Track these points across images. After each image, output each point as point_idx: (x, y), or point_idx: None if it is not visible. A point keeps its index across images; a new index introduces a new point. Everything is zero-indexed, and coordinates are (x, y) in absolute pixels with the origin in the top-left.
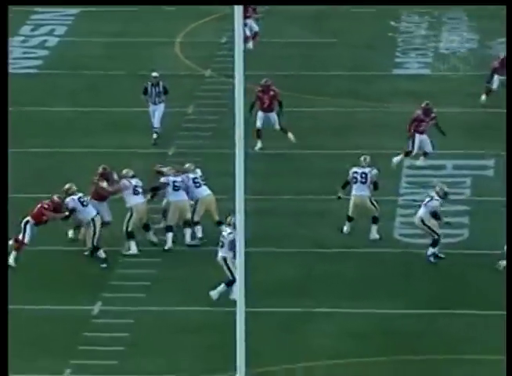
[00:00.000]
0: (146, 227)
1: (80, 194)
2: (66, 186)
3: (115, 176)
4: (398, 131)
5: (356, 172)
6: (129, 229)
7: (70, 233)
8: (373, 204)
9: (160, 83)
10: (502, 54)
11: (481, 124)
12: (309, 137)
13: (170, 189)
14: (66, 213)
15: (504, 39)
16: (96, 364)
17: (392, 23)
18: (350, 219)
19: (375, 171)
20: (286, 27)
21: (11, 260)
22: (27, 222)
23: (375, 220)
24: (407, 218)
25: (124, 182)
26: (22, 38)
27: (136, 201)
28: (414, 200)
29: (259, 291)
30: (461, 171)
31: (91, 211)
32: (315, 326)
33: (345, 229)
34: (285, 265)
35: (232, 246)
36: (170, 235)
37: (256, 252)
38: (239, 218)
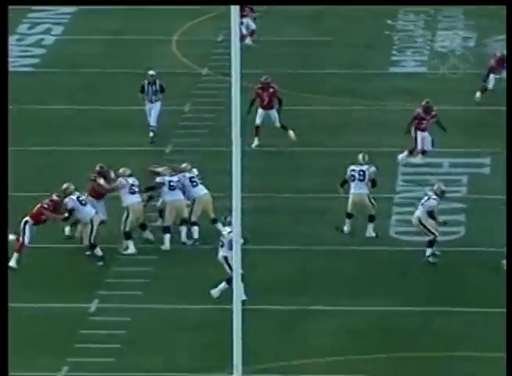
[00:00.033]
0: (143, 226)
1: (78, 193)
2: (64, 185)
3: (112, 175)
4: (395, 129)
5: (354, 170)
6: (127, 228)
7: (67, 230)
8: (371, 201)
9: (157, 81)
10: (499, 52)
11: (478, 122)
12: (306, 135)
13: (166, 188)
14: (66, 214)
15: (500, 37)
16: (93, 362)
17: (389, 21)
18: (349, 216)
19: (373, 169)
20: (283, 25)
21: (13, 262)
22: (26, 222)
23: (371, 218)
24: (403, 216)
25: (121, 180)
26: (19, 37)
27: (133, 200)
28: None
29: (257, 288)
30: (457, 169)
31: (90, 210)
32: (313, 323)
33: (346, 228)
34: (283, 262)
35: (231, 245)
36: (167, 236)
37: (254, 250)
38: (236, 216)
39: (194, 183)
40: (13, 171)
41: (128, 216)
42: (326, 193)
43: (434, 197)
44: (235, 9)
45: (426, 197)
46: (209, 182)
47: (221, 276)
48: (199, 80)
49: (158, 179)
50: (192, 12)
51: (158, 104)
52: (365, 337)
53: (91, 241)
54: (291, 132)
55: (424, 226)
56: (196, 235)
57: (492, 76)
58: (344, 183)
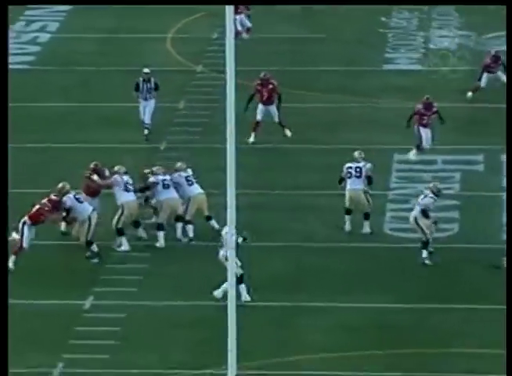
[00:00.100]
0: (136, 224)
1: (74, 192)
2: (60, 185)
3: (107, 173)
4: (388, 126)
5: (350, 167)
6: (119, 225)
7: (63, 227)
8: (367, 198)
9: (152, 79)
10: (493, 50)
11: (471, 119)
12: (300, 132)
13: (160, 187)
14: (64, 214)
15: (494, 34)
16: (88, 358)
17: (383, 18)
18: (349, 212)
19: (369, 165)
20: (277, 22)
21: (10, 264)
22: (24, 223)
23: (367, 216)
24: (397, 213)
25: (116, 177)
26: (14, 34)
27: (127, 198)
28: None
29: (251, 285)
30: (451, 166)
31: (87, 208)
32: (307, 320)
33: (347, 226)
34: (277, 259)
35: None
36: (161, 234)
37: (248, 247)
38: (231, 212)
39: (190, 182)
40: (11, 168)
41: (122, 214)
42: (320, 189)
43: (431, 195)
44: (229, 8)
45: (422, 196)
46: (203, 179)
47: (217, 272)
48: (193, 77)
49: (152, 179)
50: (187, 9)
51: (152, 102)
52: (360, 333)
53: (88, 238)
54: (288, 131)
55: (420, 226)
56: (191, 233)
57: (485, 74)
58: (342, 181)
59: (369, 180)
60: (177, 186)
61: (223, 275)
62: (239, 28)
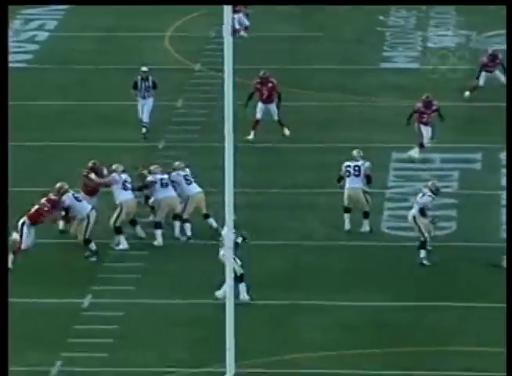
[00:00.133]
0: (133, 222)
1: (72, 191)
2: (58, 185)
3: (105, 172)
4: (386, 125)
5: (349, 166)
6: (117, 224)
7: (61, 225)
8: (365, 197)
9: (150, 77)
10: (491, 50)
11: (469, 117)
12: (297, 131)
13: (158, 186)
14: (63, 213)
15: (492, 33)
16: (86, 357)
17: (380, 17)
18: (348, 210)
19: (368, 164)
20: (275, 21)
21: (8, 263)
22: (24, 223)
23: (366, 215)
24: (395, 212)
25: (115, 176)
26: (12, 33)
27: (126, 197)
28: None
29: (250, 283)
30: (449, 164)
31: (86, 206)
32: (305, 318)
33: (346, 224)
34: (275, 258)
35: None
36: (159, 232)
37: (247, 245)
38: (229, 211)
39: (188, 181)
40: (9, 167)
41: (120, 212)
42: (318, 188)
43: (429, 193)
44: (227, 7)
45: (421, 194)
46: (202, 177)
47: (215, 271)
48: (192, 76)
49: (150, 178)
50: (185, 8)
51: (150, 100)
52: (358, 332)
53: (86, 236)
54: (286, 130)
55: (418, 226)
56: (188, 232)
57: (483, 73)
58: (341, 180)
59: (369, 179)
60: (175, 185)
61: (222, 273)
62: (237, 26)
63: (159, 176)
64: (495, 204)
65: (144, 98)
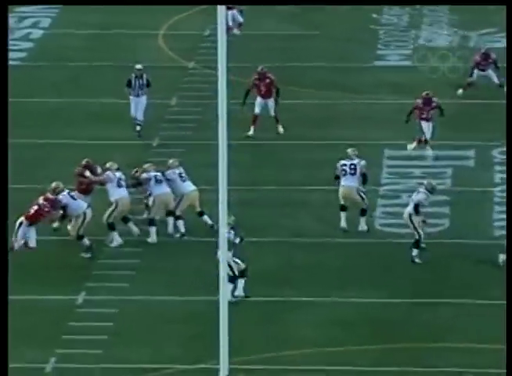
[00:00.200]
0: (125, 219)
1: (67, 190)
2: (53, 184)
3: (99, 170)
4: (379, 122)
5: (345, 165)
6: (110, 220)
7: (56, 224)
8: (360, 196)
9: (144, 75)
10: (484, 48)
11: (462, 115)
12: (291, 128)
13: (152, 183)
14: (61, 211)
15: (484, 31)
16: (81, 353)
17: (374, 15)
18: (344, 208)
19: (363, 162)
20: (269, 19)
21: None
22: (21, 223)
23: (363, 212)
24: (388, 209)
25: (109, 174)
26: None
27: (121, 194)
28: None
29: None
30: (442, 161)
31: (82, 204)
32: (298, 315)
33: (342, 222)
34: (268, 255)
35: (229, 246)
36: (153, 229)
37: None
38: (222, 208)
39: (183, 179)
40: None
41: (114, 209)
42: (311, 185)
43: (424, 191)
44: (221, 8)
45: (416, 192)
46: (196, 175)
47: (209, 268)
48: (185, 73)
49: (144, 175)
50: (179, 6)
51: (144, 98)
52: (352, 328)
53: (79, 233)
54: (280, 128)
55: (413, 224)
56: (182, 229)
57: (476, 71)
58: (337, 178)
59: (365, 178)
60: (170, 183)
61: (216, 270)
62: (230, 23)
63: (153, 173)
64: (488, 201)
65: (138, 96)
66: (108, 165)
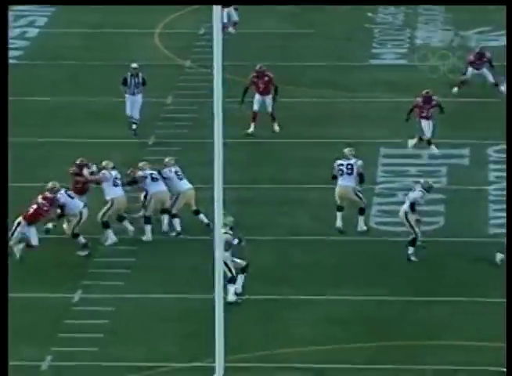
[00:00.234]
0: (120, 218)
1: (64, 189)
2: (50, 184)
3: (94, 168)
4: (375, 120)
5: (342, 164)
6: (104, 219)
7: (50, 224)
8: (357, 195)
9: (140, 74)
10: (479, 47)
11: (457, 113)
12: (288, 127)
13: (148, 181)
14: (59, 211)
15: (479, 29)
16: (77, 351)
17: (369, 14)
18: (340, 209)
19: (360, 162)
20: (265, 18)
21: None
22: (19, 223)
23: (362, 211)
24: (384, 207)
25: (105, 173)
26: None
27: (116, 193)
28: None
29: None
30: (437, 160)
31: (78, 204)
32: (295, 313)
33: (338, 222)
34: (265, 253)
35: (227, 246)
36: (149, 227)
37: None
38: (218, 206)
39: (179, 177)
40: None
41: (109, 208)
42: (307, 183)
43: (421, 189)
44: (217, 6)
45: (412, 191)
46: (192, 173)
47: (205, 266)
48: (181, 72)
49: (140, 173)
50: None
51: (139, 97)
52: (348, 326)
53: (74, 231)
54: (276, 126)
55: (409, 222)
56: (178, 227)
57: (470, 69)
58: (334, 178)
59: (361, 178)
60: (166, 182)
61: (212, 268)
62: (226, 21)
63: (148, 171)
64: (483, 200)
65: (133, 94)
66: (104, 164)
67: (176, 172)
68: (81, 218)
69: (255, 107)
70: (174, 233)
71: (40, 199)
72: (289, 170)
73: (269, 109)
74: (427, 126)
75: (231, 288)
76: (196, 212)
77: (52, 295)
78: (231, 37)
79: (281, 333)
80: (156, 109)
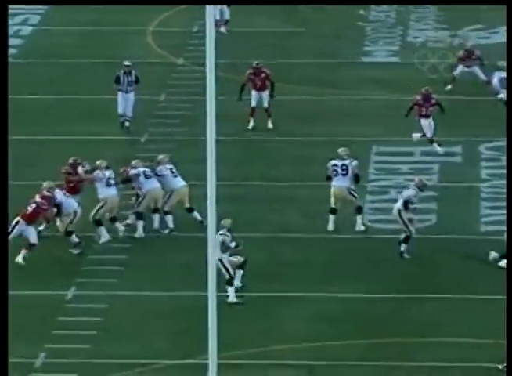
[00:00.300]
0: (113, 220)
1: (58, 188)
2: (45, 184)
3: (87, 167)
4: (367, 118)
5: (336, 165)
6: (96, 217)
7: (41, 227)
8: (352, 194)
9: (133, 72)
10: (468, 44)
11: (449, 111)
12: (280, 124)
13: (142, 178)
14: (55, 210)
15: (471, 27)
16: (70, 348)
17: (361, 12)
18: (333, 211)
19: (355, 162)
20: (257, 16)
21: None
22: (17, 222)
23: (359, 210)
24: (376, 204)
25: (98, 173)
26: None
27: (109, 193)
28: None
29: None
30: (429, 157)
31: (73, 203)
32: (288, 310)
33: (330, 226)
34: (256, 250)
35: (223, 248)
36: (141, 223)
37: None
38: (211, 204)
39: (174, 174)
40: None
41: (102, 207)
42: (299, 181)
43: (414, 187)
44: (209, 8)
45: (406, 189)
46: (184, 170)
47: (198, 263)
48: (174, 70)
49: (133, 171)
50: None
51: (132, 95)
52: (340, 323)
53: (68, 229)
54: (270, 123)
55: (402, 220)
56: (170, 224)
57: (460, 66)
58: (329, 179)
59: (357, 178)
60: (160, 179)
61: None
62: (218, 17)
63: (141, 169)
64: (475, 197)
65: (126, 92)
66: (98, 163)
67: (171, 169)
68: (74, 217)
69: (253, 103)
70: (166, 230)
71: (38, 198)
72: (280, 167)
73: (265, 104)
74: (427, 125)
75: (230, 290)
76: (190, 210)
77: (45, 292)
78: (223, 35)
79: (273, 330)
80: (149, 106)
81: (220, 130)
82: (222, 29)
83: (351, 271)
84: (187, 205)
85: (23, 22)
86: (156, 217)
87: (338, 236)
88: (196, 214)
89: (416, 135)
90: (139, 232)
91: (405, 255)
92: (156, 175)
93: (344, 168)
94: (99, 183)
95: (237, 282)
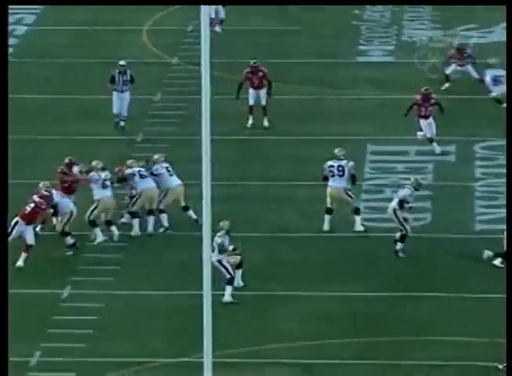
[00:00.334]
0: (109, 223)
1: (53, 189)
2: (40, 184)
3: (82, 168)
4: (362, 117)
5: (332, 166)
6: (91, 217)
7: (38, 229)
8: (349, 195)
9: (128, 71)
10: (457, 43)
11: (444, 110)
12: (277, 124)
13: (137, 178)
14: (52, 210)
15: (465, 27)
16: (65, 347)
17: (356, 11)
18: (329, 211)
19: (352, 163)
20: (252, 15)
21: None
22: (16, 222)
23: (357, 211)
24: (371, 203)
25: (94, 175)
26: None
27: (104, 194)
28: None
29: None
30: (423, 156)
31: (69, 203)
32: (284, 309)
33: (326, 226)
34: (252, 249)
35: (222, 249)
36: (137, 221)
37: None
38: (206, 203)
39: (170, 173)
40: None
41: (96, 208)
42: (295, 180)
43: (409, 187)
44: (204, 8)
45: (401, 188)
46: (180, 170)
47: (193, 262)
48: (169, 69)
49: (128, 171)
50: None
51: (127, 94)
52: (336, 322)
53: (64, 230)
54: (266, 121)
55: (398, 219)
56: (165, 223)
57: (453, 65)
58: (325, 180)
59: (354, 179)
60: (156, 178)
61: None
62: (213, 16)
63: (137, 168)
64: (469, 196)
65: (122, 92)
66: (94, 164)
67: (167, 168)
68: (70, 217)
69: (251, 101)
70: (161, 229)
71: (36, 198)
72: (277, 167)
73: (263, 102)
74: (427, 125)
75: (228, 289)
76: (185, 208)
77: (41, 291)
78: (218, 34)
79: (269, 329)
80: (145, 106)
81: (215, 129)
82: (217, 28)
83: (347, 270)
84: (183, 204)
85: (18, 21)
86: (151, 219)
87: (335, 235)
88: (191, 212)
89: (421, 134)
90: (135, 230)
91: (401, 254)
92: (152, 174)
93: (340, 168)
94: (94, 184)
95: (238, 282)
